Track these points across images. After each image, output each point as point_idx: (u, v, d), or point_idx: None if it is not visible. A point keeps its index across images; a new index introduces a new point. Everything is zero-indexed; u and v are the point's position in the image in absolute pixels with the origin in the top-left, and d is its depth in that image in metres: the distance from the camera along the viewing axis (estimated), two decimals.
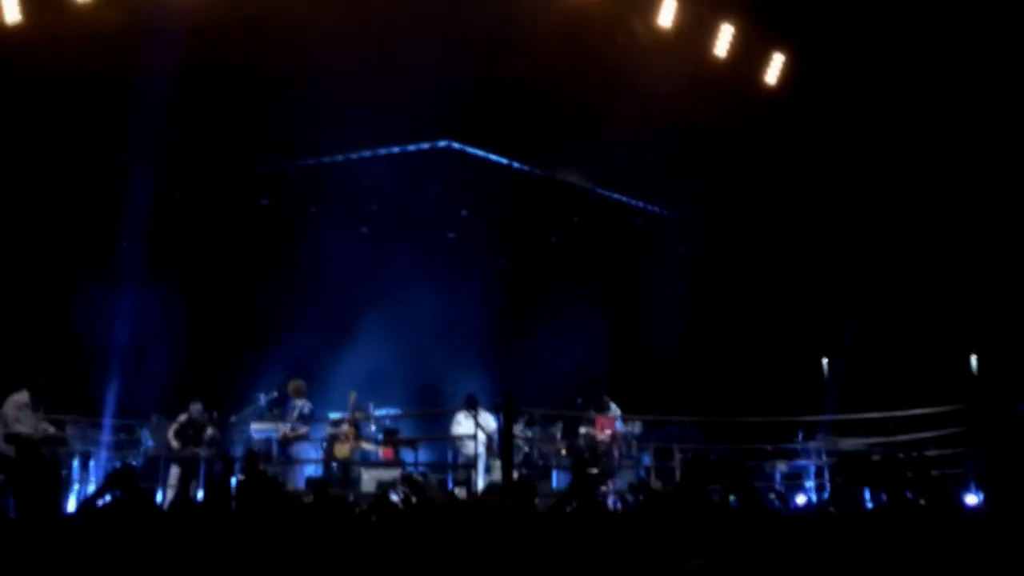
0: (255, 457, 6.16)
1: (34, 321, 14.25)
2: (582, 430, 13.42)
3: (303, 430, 13.04)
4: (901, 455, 10.45)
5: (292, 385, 12.86)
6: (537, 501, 10.68)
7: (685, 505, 3.28)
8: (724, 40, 13.59)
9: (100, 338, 13.71)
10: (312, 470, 13.49)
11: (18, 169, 13.07)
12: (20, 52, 11.74)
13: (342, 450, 12.85)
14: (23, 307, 14.38)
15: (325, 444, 13.34)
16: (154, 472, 12.83)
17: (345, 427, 12.97)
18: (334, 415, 13.90)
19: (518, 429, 12.59)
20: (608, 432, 13.11)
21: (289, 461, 12.86)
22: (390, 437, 13.84)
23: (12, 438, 10.97)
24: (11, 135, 12.59)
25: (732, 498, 3.54)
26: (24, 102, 12.14)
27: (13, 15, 11.73)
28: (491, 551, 2.68)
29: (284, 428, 12.91)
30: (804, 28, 13.61)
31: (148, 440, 13.50)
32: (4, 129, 12.50)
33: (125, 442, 13.60)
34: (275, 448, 13.05)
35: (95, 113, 12.38)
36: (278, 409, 13.55)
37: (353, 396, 13.30)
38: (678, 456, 13.26)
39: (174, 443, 12.89)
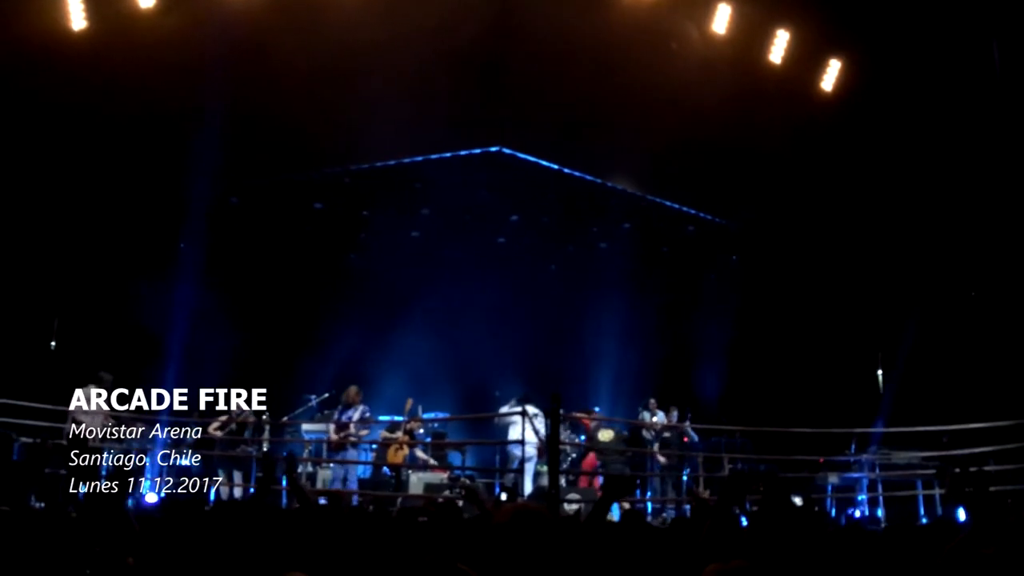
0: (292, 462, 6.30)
1: (97, 318, 14.62)
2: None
3: (363, 433, 13.02)
4: (957, 470, 10.16)
5: (352, 391, 12.87)
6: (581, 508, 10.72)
7: (722, 515, 3.26)
8: (779, 47, 13.45)
9: (157, 335, 14.00)
10: (360, 472, 13.60)
11: (82, 171, 13.43)
12: (85, 57, 12.14)
13: (396, 457, 12.91)
14: (87, 304, 14.76)
15: (376, 448, 13.43)
16: None
17: (400, 434, 13.04)
18: (384, 417, 14.00)
19: (565, 435, 12.56)
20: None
21: (339, 463, 12.94)
22: (438, 440, 13.85)
23: (70, 438, 11.18)
24: (76, 139, 12.96)
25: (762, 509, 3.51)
26: (88, 106, 12.49)
27: (79, 22, 12.16)
28: (528, 559, 2.69)
29: (335, 432, 12.94)
30: (861, 34, 13.39)
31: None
32: (70, 133, 12.87)
33: (179, 439, 13.80)
34: (324, 450, 13.18)
35: (156, 118, 12.69)
36: (329, 410, 13.69)
37: (410, 403, 13.37)
38: (727, 466, 13.10)
39: (217, 433, 12.89)
